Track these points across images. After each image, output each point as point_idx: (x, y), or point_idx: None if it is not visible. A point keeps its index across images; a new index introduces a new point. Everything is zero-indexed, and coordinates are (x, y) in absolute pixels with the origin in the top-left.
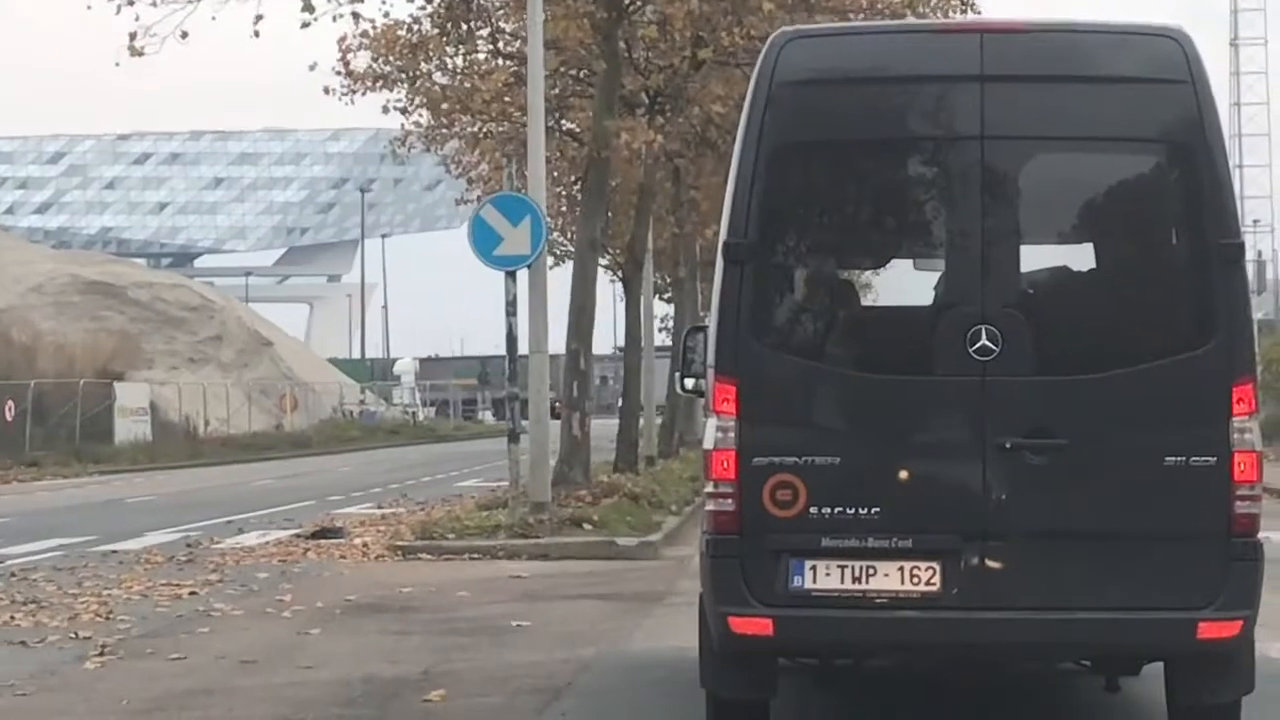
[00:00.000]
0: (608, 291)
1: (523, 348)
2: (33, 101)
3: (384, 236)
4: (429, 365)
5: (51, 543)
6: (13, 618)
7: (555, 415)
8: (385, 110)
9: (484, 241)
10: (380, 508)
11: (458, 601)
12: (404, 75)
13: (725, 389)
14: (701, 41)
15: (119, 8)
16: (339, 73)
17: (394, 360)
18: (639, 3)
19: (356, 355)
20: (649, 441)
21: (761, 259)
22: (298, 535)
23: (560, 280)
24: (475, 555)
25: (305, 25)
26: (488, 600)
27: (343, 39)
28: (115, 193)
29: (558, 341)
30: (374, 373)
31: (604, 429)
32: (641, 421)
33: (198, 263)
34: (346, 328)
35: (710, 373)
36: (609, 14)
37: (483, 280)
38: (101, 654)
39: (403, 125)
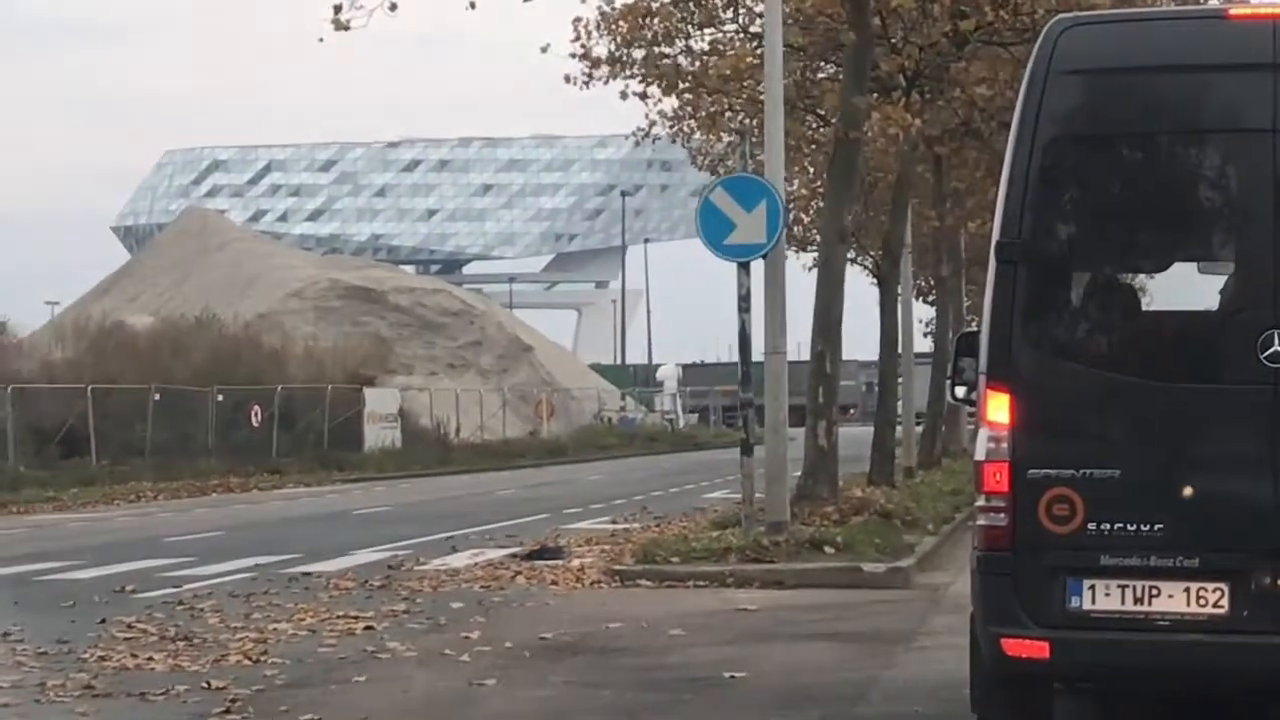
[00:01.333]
0: (868, 294)
1: (758, 349)
2: (305, 110)
3: (646, 242)
4: (692, 371)
5: (249, 562)
6: (150, 659)
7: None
8: (624, 96)
9: (714, 229)
10: (614, 522)
11: (668, 643)
12: (642, 56)
13: (998, 397)
14: (963, 15)
15: None
16: (574, 56)
17: (657, 366)
18: None
19: (621, 361)
20: (908, 452)
21: (1036, 259)
22: (513, 555)
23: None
24: (700, 582)
25: None
26: (703, 641)
27: (578, 20)
28: (385, 200)
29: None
30: (636, 379)
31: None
32: (899, 431)
33: (466, 269)
34: (613, 334)
35: (982, 380)
36: None
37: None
38: (227, 711)
39: (646, 115)
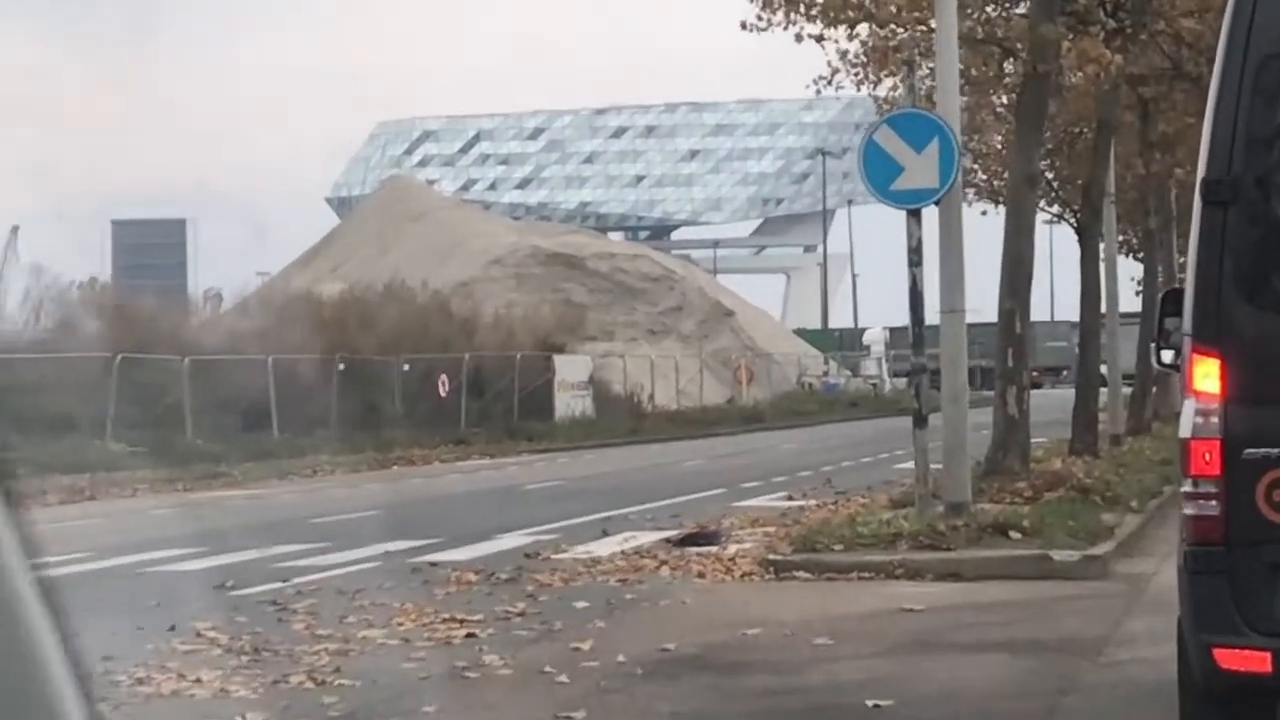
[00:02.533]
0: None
1: (933, 308)
2: (513, 79)
3: (850, 203)
4: (900, 335)
5: (381, 549)
6: (198, 680)
7: (1034, 384)
8: (798, 39)
9: (879, 172)
10: (792, 499)
11: (811, 656)
12: None
13: (1206, 362)
14: None
15: None
16: None
17: (863, 330)
18: None
19: (831, 326)
20: (1114, 417)
21: (1250, 200)
22: (666, 540)
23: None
24: (865, 574)
25: None
26: (853, 652)
27: None
28: (593, 167)
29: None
30: (843, 343)
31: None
32: (1104, 396)
33: (674, 235)
34: (819, 300)
35: (1187, 342)
36: None
37: (972, 247)
38: None
39: (829, 63)
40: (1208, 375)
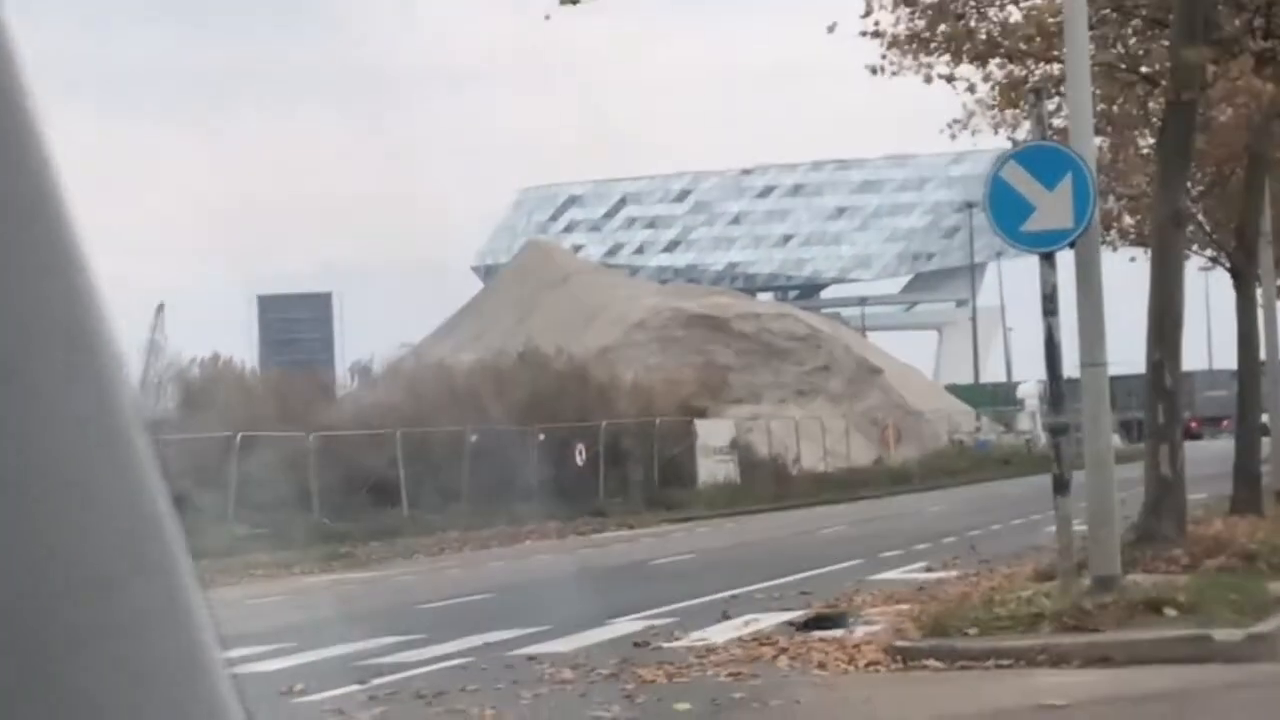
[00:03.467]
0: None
1: (1071, 361)
2: (660, 142)
3: (999, 255)
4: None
5: (480, 640)
6: None
7: (1193, 436)
8: (927, 80)
9: (1007, 212)
10: (931, 570)
11: None
12: (943, 31)
13: None
14: None
15: None
16: (865, 34)
17: (1016, 384)
18: None
19: (983, 380)
20: (1277, 472)
21: None
22: (789, 624)
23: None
24: (1003, 661)
25: None
26: None
27: None
28: (740, 227)
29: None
30: (996, 399)
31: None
32: (1267, 447)
33: (823, 293)
34: (971, 355)
35: None
36: None
37: (1122, 295)
38: None
39: (964, 106)
40: None
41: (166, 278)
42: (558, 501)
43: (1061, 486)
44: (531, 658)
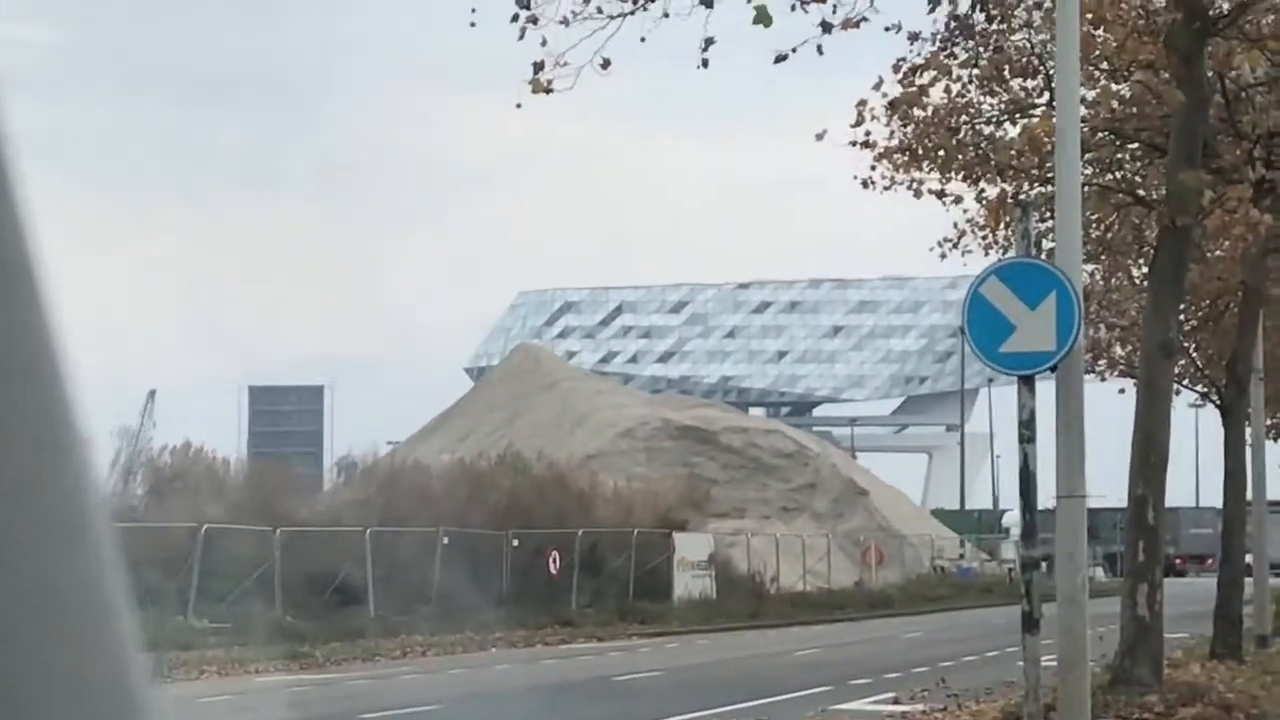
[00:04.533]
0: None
1: (1046, 491)
2: (657, 251)
3: (990, 381)
4: (1044, 519)
5: None
6: None
7: (1177, 573)
8: (917, 195)
9: (986, 330)
10: (898, 702)
11: None
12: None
13: None
14: None
15: (522, 31)
16: (855, 144)
17: (1002, 512)
18: (1232, 11)
19: (969, 506)
20: (1260, 616)
21: None
22: None
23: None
24: None
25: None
26: None
27: (862, 104)
28: (735, 341)
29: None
30: (981, 526)
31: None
32: (1249, 590)
33: (815, 411)
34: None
35: None
36: (1189, 25)
37: (1112, 426)
38: None
39: (955, 224)
40: None
41: (162, 367)
42: (528, 609)
43: (1031, 624)
44: None
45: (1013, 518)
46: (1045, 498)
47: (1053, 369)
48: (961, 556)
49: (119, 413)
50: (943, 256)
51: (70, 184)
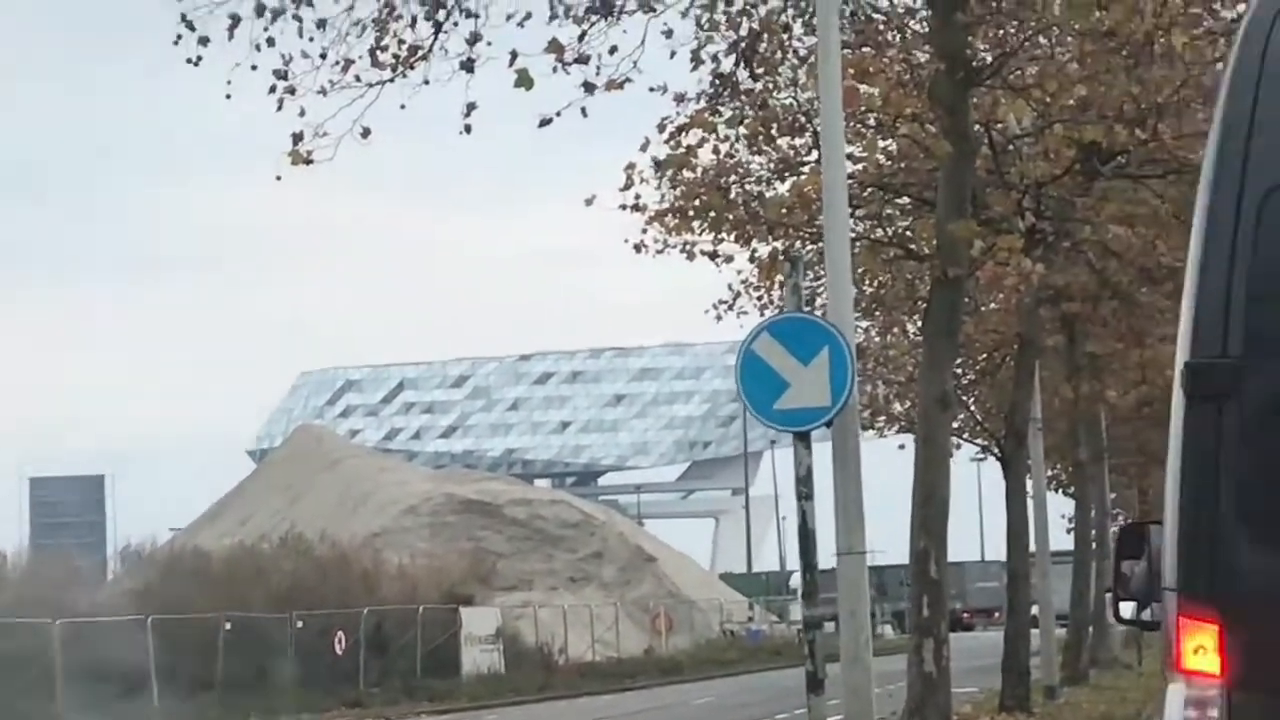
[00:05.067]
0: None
1: (829, 550)
2: (436, 326)
3: (773, 444)
4: (828, 578)
5: None
6: None
7: (966, 627)
8: (690, 257)
9: (760, 387)
10: None
11: None
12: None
13: (1199, 630)
14: (1087, 146)
15: (280, 102)
16: (624, 207)
17: (790, 573)
18: (995, 61)
19: (757, 569)
20: (1047, 666)
21: (1257, 390)
22: None
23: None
24: None
25: (544, 123)
26: None
27: (631, 167)
28: (519, 413)
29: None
30: (769, 588)
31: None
32: (1036, 641)
33: (601, 480)
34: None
35: (1170, 599)
36: (951, 76)
37: (888, 484)
38: None
39: (730, 286)
40: (1201, 647)
41: None
42: (315, 691)
43: (815, 684)
44: None
45: (798, 579)
46: (828, 556)
47: (828, 424)
48: (750, 619)
49: None
50: (718, 318)
51: None
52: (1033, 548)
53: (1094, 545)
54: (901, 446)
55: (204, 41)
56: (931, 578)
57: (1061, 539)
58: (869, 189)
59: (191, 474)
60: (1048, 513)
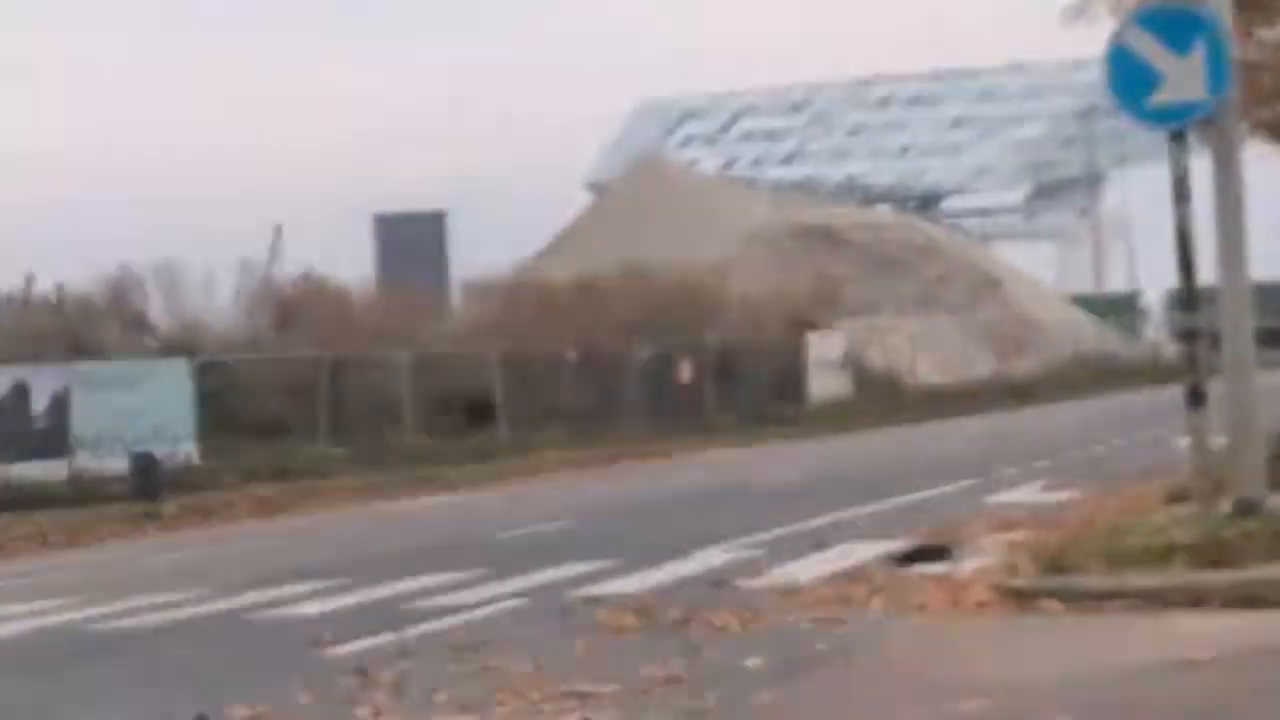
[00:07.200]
0: None
1: (1208, 261)
2: (777, 54)
3: (1122, 163)
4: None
5: (542, 578)
6: None
7: None
8: None
9: (1129, 83)
10: (1050, 490)
11: None
12: None
13: None
14: None
15: None
16: None
17: (1139, 294)
18: None
19: (1105, 291)
20: None
21: None
22: (889, 556)
23: None
24: (1132, 602)
25: None
26: None
27: None
28: (858, 139)
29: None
30: (1118, 309)
31: None
32: None
33: (943, 204)
34: (1093, 265)
35: None
36: None
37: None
38: None
39: None
40: None
41: (289, 199)
42: (662, 420)
43: (1198, 398)
44: (596, 599)
45: (1150, 299)
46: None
47: (1207, 118)
48: (1101, 341)
49: (243, 245)
50: (1069, 26)
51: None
52: None
53: None
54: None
55: None
56: None
57: None
58: None
59: (530, 207)
60: None
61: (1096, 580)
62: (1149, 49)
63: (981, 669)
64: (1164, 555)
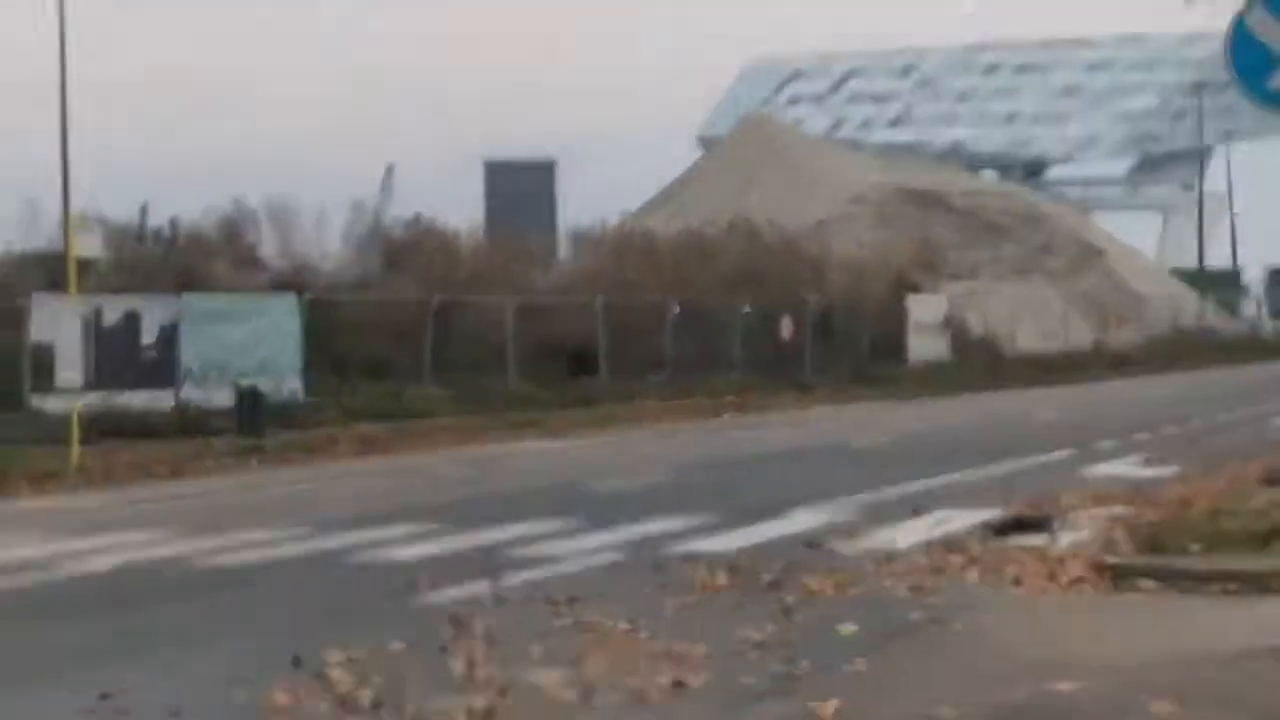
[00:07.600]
0: None
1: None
2: (883, 17)
3: (1228, 139)
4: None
5: (640, 531)
6: None
7: None
8: None
9: (1250, 63)
10: (1149, 465)
11: None
12: None
13: None
14: None
15: None
16: None
17: (1241, 270)
18: None
19: (1207, 265)
20: None
21: None
22: (985, 525)
23: None
24: (1230, 586)
25: None
26: None
27: None
28: (965, 105)
29: None
30: (1220, 284)
31: None
32: None
33: (1048, 173)
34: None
35: None
36: None
37: None
38: None
39: None
40: None
41: (402, 143)
42: (762, 375)
43: None
44: (690, 556)
45: (1253, 275)
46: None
47: None
48: (1202, 315)
49: (355, 186)
50: (1191, 2)
51: None
52: None
53: None
54: None
55: None
56: None
57: None
58: None
59: (639, 160)
60: None
61: (1194, 561)
62: (1268, 29)
63: (1077, 648)
64: (1266, 539)
